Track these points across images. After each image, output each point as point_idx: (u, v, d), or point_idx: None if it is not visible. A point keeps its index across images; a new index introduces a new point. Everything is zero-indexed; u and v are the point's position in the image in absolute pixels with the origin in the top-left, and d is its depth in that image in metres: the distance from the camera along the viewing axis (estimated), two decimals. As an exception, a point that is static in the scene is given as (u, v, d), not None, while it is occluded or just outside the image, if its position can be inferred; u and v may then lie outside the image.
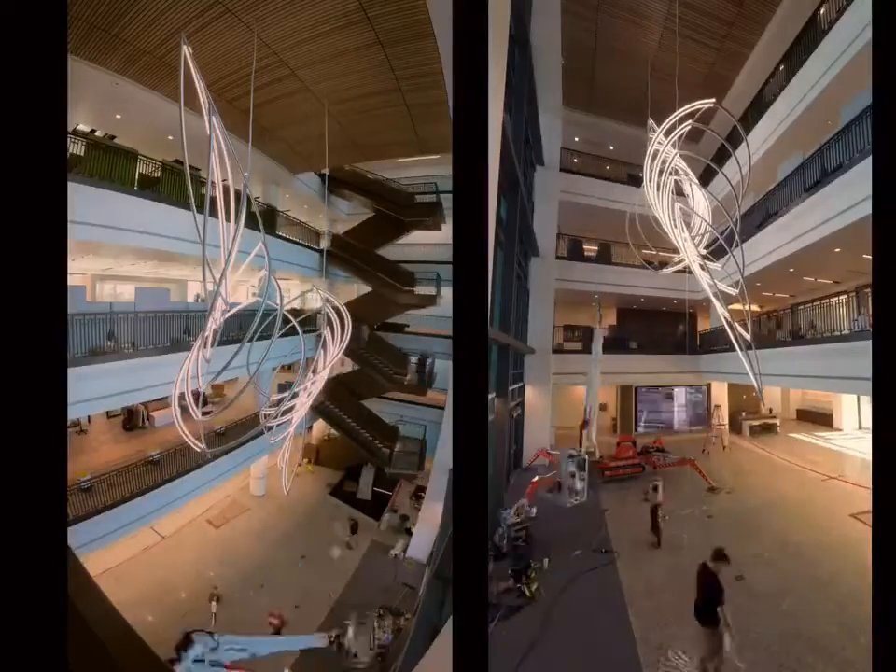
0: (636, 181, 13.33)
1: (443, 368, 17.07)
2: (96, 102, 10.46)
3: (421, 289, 17.47)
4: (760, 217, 12.73)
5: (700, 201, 8.29)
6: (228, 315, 5.80)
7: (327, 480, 17.52)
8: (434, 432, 15.36)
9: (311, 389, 8.33)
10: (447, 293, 16.99)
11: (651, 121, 8.21)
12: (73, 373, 7.91)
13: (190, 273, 16.92)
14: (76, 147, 9.54)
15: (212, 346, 5.78)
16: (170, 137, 11.54)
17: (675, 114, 7.35)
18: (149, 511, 11.06)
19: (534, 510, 9.31)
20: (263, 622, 10.50)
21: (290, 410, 7.91)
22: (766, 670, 5.43)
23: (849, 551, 7.82)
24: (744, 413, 18.62)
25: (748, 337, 6.93)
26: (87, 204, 8.78)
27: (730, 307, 7.90)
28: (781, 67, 12.54)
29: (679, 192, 8.37)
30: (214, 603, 10.54)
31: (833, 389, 12.10)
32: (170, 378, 6.26)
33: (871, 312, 7.86)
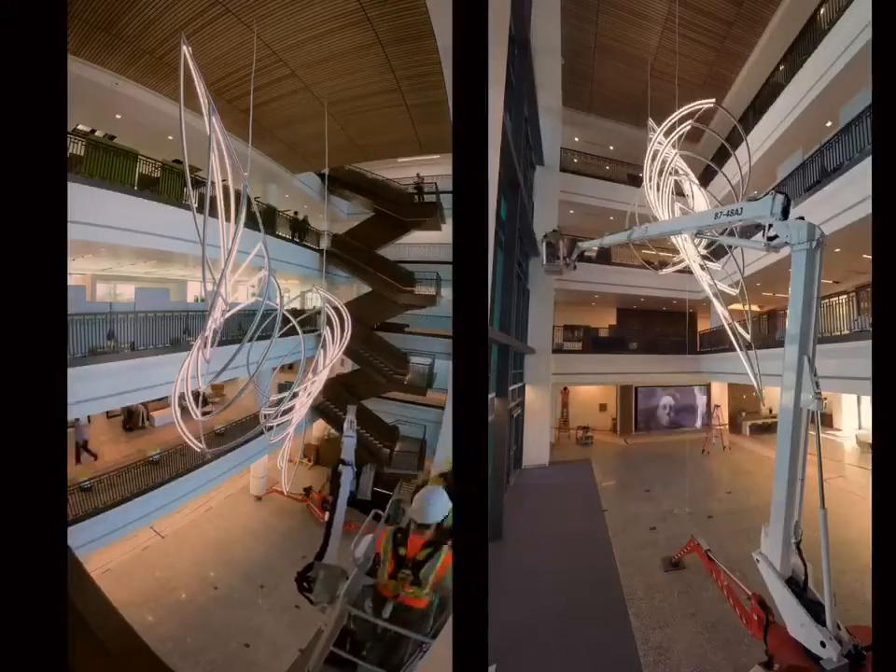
0: (636, 181, 13.32)
1: (443, 368, 17.07)
2: (96, 102, 10.45)
3: (421, 289, 17.46)
4: (760, 216, 12.71)
5: (700, 201, 8.30)
6: (228, 314, 5.80)
7: (326, 479, 17.51)
8: (434, 432, 15.36)
9: (311, 389, 8.34)
10: (447, 293, 16.99)
11: (651, 121, 8.22)
12: (73, 373, 7.92)
13: (190, 273, 16.91)
14: (76, 147, 9.53)
15: (212, 346, 5.78)
16: (170, 137, 11.53)
17: (675, 114, 7.37)
18: (149, 510, 11.06)
19: None
20: (263, 622, 10.53)
21: (290, 410, 7.91)
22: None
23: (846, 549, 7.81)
24: (744, 413, 18.64)
25: (748, 337, 6.94)
26: (87, 204, 8.78)
27: (730, 307, 7.91)
28: (781, 67, 12.53)
29: (678, 192, 8.38)
30: None
31: (833, 389, 12.09)
32: (170, 378, 6.27)
33: (871, 312, 7.87)
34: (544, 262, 7.49)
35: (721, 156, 11.79)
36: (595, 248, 17.62)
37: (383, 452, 15.96)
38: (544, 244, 7.43)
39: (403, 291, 17.11)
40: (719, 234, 6.32)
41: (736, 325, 7.25)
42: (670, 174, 7.73)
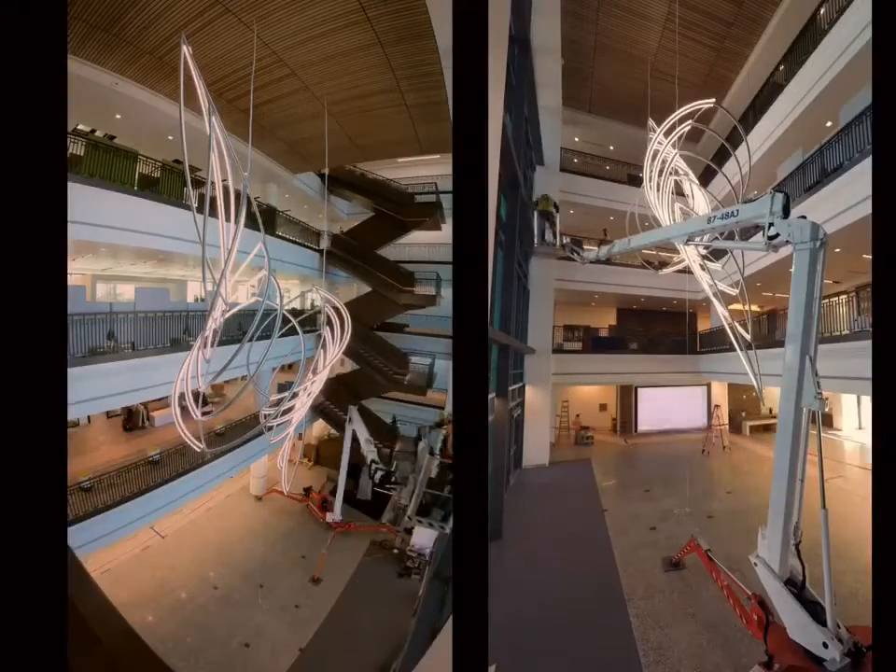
0: (636, 181, 13.33)
1: (443, 368, 17.07)
2: (96, 102, 10.45)
3: (421, 289, 17.47)
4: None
5: (700, 201, 8.29)
6: (228, 314, 5.80)
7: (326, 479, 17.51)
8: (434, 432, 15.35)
9: (311, 389, 8.33)
10: (447, 293, 16.98)
11: (651, 121, 8.21)
12: (73, 373, 7.93)
13: (190, 272, 16.92)
14: (76, 147, 9.53)
15: (212, 346, 5.78)
16: (170, 137, 11.54)
17: (675, 114, 7.36)
18: (149, 511, 11.06)
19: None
20: (263, 621, 10.54)
21: (290, 410, 7.91)
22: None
23: (846, 549, 7.80)
24: (744, 413, 18.63)
25: (748, 337, 6.95)
26: (87, 204, 8.78)
27: (730, 307, 7.91)
28: (781, 67, 12.53)
29: (678, 192, 8.38)
30: None
31: (833, 389, 12.10)
32: (170, 378, 6.26)
33: (871, 312, 7.87)
34: (535, 240, 7.24)
35: (721, 156, 11.80)
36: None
37: (383, 452, 15.95)
38: (535, 215, 7.17)
39: (403, 291, 17.10)
40: (714, 238, 6.31)
41: (736, 325, 7.24)
42: (670, 174, 7.72)
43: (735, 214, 4.98)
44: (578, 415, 18.86)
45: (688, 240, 5.93)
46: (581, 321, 18.12)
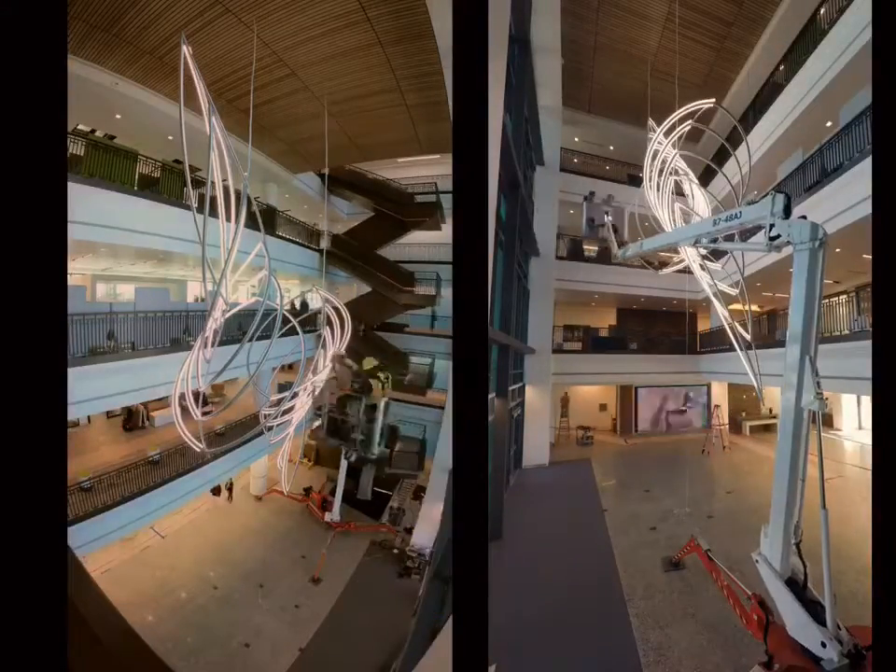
0: (636, 181, 13.32)
1: (443, 368, 17.06)
2: (96, 102, 10.45)
3: (421, 289, 17.46)
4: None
5: (700, 201, 8.29)
6: (228, 315, 5.79)
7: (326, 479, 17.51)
8: (434, 432, 15.35)
9: (311, 389, 8.33)
10: (447, 293, 16.98)
11: (651, 121, 8.21)
12: (73, 373, 7.92)
13: (190, 272, 16.92)
14: (76, 147, 9.53)
15: (212, 346, 5.77)
16: (170, 137, 11.53)
17: (675, 114, 7.36)
18: (149, 510, 11.06)
19: None
20: (263, 621, 10.54)
21: (290, 410, 7.91)
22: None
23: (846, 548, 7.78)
24: (744, 413, 18.63)
25: (748, 337, 6.95)
26: (87, 204, 8.78)
27: (730, 307, 7.91)
28: (781, 67, 12.54)
29: (678, 192, 8.38)
30: None
31: (833, 389, 12.10)
32: (170, 378, 6.26)
33: (871, 312, 7.87)
34: (584, 227, 7.47)
35: (721, 156, 11.79)
36: (595, 249, 17.71)
37: (383, 452, 15.93)
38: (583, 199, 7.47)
39: (403, 291, 17.10)
40: (714, 240, 6.31)
41: (736, 325, 7.25)
42: (670, 173, 7.72)
43: (739, 216, 5.00)
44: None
45: (695, 241, 5.99)
46: (581, 321, 18.12)
